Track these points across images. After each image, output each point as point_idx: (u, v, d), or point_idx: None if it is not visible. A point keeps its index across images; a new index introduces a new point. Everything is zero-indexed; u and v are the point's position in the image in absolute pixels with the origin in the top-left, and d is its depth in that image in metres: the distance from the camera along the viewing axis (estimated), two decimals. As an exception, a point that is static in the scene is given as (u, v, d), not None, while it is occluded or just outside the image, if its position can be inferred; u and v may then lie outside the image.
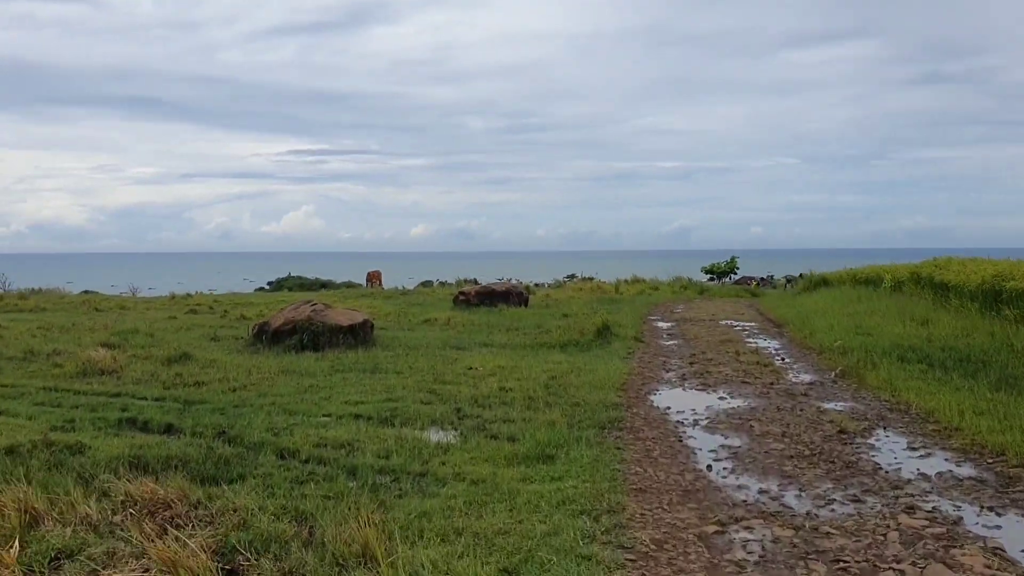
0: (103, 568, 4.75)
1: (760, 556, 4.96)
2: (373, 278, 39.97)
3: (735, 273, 43.64)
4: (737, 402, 9.83)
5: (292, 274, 57.16)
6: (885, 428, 8.37)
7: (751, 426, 8.42)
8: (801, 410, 9.20)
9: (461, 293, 25.03)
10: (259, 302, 27.53)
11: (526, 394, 10.11)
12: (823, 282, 31.69)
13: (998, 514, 5.73)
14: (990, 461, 6.98)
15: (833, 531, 5.36)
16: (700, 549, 5.06)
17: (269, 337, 15.12)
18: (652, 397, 10.14)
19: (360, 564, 4.75)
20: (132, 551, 4.91)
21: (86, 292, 38.52)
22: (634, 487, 6.20)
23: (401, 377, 11.76)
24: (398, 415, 9.10)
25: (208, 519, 5.49)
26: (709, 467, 6.94)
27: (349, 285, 43.72)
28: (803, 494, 6.21)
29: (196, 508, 5.76)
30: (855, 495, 6.15)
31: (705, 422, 8.70)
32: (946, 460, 7.12)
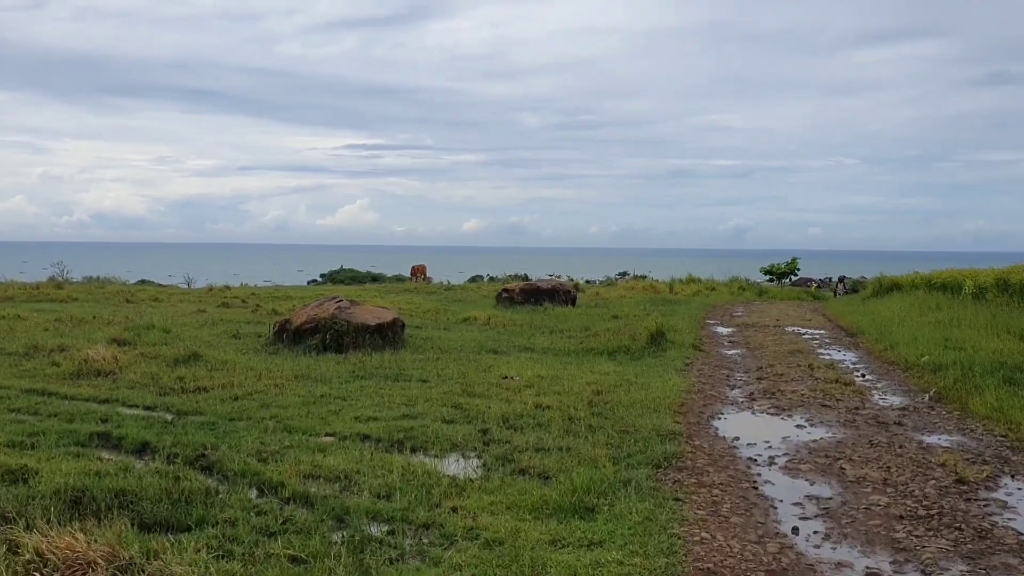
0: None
1: None
2: (418, 272, 38.80)
3: (795, 274, 41.43)
4: (819, 432, 8.20)
5: (344, 267, 56.78)
6: (1013, 476, 6.68)
7: (842, 468, 6.79)
8: (901, 447, 7.53)
9: (504, 290, 23.59)
10: (297, 296, 26.48)
11: (566, 413, 8.64)
12: (894, 286, 29.48)
13: None
14: None
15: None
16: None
17: (290, 336, 13.89)
18: (716, 423, 8.55)
19: None
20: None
21: (142, 281, 38.38)
22: (700, 567, 4.66)
23: (426, 387, 10.38)
24: (413, 437, 7.72)
25: (129, 595, 4.15)
26: (795, 530, 5.38)
27: (399, 278, 42.91)
28: (928, 579, 4.62)
29: (124, 574, 4.43)
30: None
31: (783, 460, 7.09)
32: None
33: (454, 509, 5.67)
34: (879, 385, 11.13)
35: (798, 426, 8.46)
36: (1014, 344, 13.27)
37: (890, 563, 4.86)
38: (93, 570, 4.45)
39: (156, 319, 16.64)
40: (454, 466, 6.96)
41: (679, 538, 5.04)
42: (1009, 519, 5.65)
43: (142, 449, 7.31)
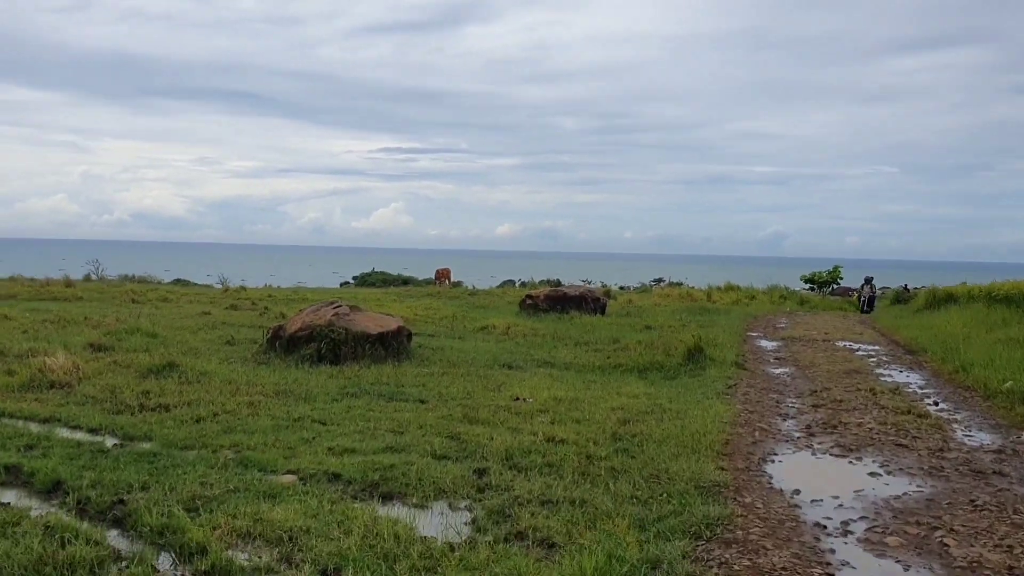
0: None
1: None
2: (442, 276, 37.43)
3: (837, 283, 39.22)
4: (900, 484, 6.53)
5: (376, 269, 55.91)
6: None
7: (943, 544, 5.13)
8: (1016, 511, 5.85)
9: (528, 296, 22.04)
10: (313, 298, 25.18)
11: (583, 450, 7.09)
12: (949, 298, 27.41)
13: None
14: None
15: None
16: None
17: (283, 344, 12.50)
18: (769, 468, 6.91)
19: None
20: None
21: (178, 281, 37.85)
22: None
23: (422, 409, 8.91)
24: (391, 478, 6.24)
25: None
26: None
27: (429, 282, 41.79)
28: None
29: None
30: None
31: (862, 527, 5.45)
32: None
33: (419, 598, 4.16)
34: (958, 417, 9.40)
35: (872, 474, 6.80)
36: (1111, 369, 11.44)
37: None
38: None
39: (148, 322, 15.35)
40: (435, 522, 5.46)
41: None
42: None
43: (53, 489, 5.91)
